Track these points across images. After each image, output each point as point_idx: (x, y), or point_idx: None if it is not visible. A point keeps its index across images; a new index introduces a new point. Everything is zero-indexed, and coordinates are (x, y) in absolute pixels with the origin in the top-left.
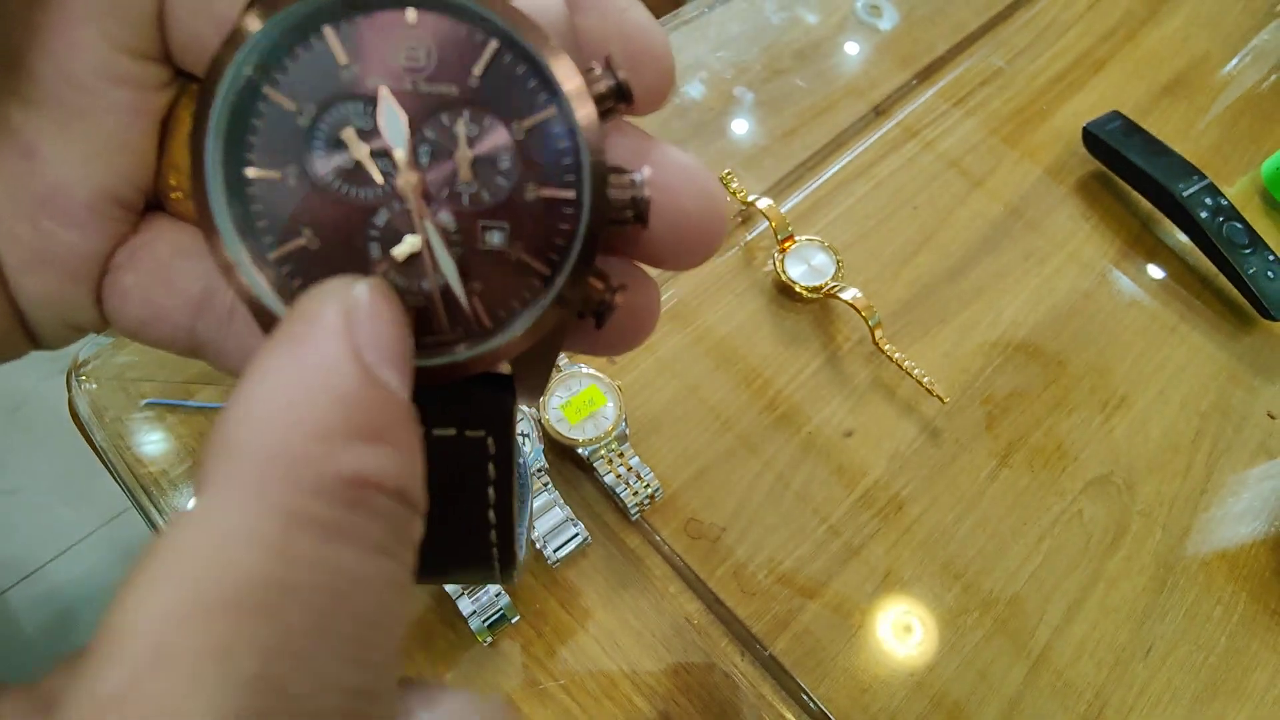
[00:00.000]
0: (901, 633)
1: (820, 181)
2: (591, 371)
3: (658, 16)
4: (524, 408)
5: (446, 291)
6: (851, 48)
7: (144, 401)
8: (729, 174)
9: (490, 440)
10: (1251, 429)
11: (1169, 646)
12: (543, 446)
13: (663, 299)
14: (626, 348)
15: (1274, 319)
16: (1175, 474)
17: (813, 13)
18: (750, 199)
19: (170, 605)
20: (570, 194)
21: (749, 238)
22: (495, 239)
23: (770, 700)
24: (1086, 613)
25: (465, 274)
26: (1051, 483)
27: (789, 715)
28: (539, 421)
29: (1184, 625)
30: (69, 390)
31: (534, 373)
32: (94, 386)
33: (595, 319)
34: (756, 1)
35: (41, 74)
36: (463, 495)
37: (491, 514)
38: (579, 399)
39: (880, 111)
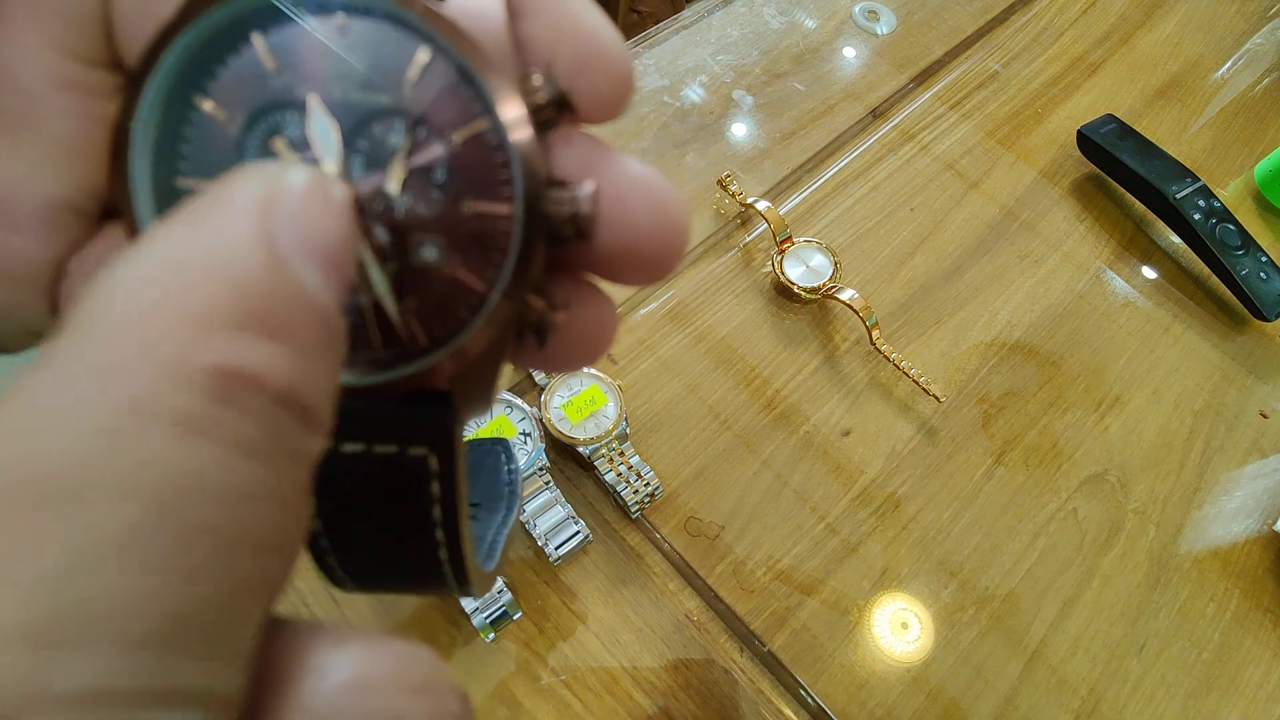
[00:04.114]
0: (898, 629)
1: (818, 184)
2: (592, 371)
3: (659, 21)
4: (525, 407)
5: (379, 308)
6: (849, 52)
7: None
8: (729, 176)
9: (433, 458)
10: (1244, 428)
11: (1163, 643)
12: (544, 445)
13: (662, 299)
14: (580, 365)
15: (1266, 319)
16: (1169, 472)
17: (811, 17)
18: (749, 201)
19: None
20: (504, 209)
21: (748, 239)
22: (429, 254)
23: (769, 696)
24: (1081, 609)
25: (399, 290)
26: (1046, 481)
27: (787, 710)
28: (541, 421)
29: (1177, 622)
30: None
31: (475, 390)
32: None
33: (536, 338)
34: (755, 6)
35: None
36: (407, 515)
37: (439, 533)
38: (580, 398)
39: (878, 115)
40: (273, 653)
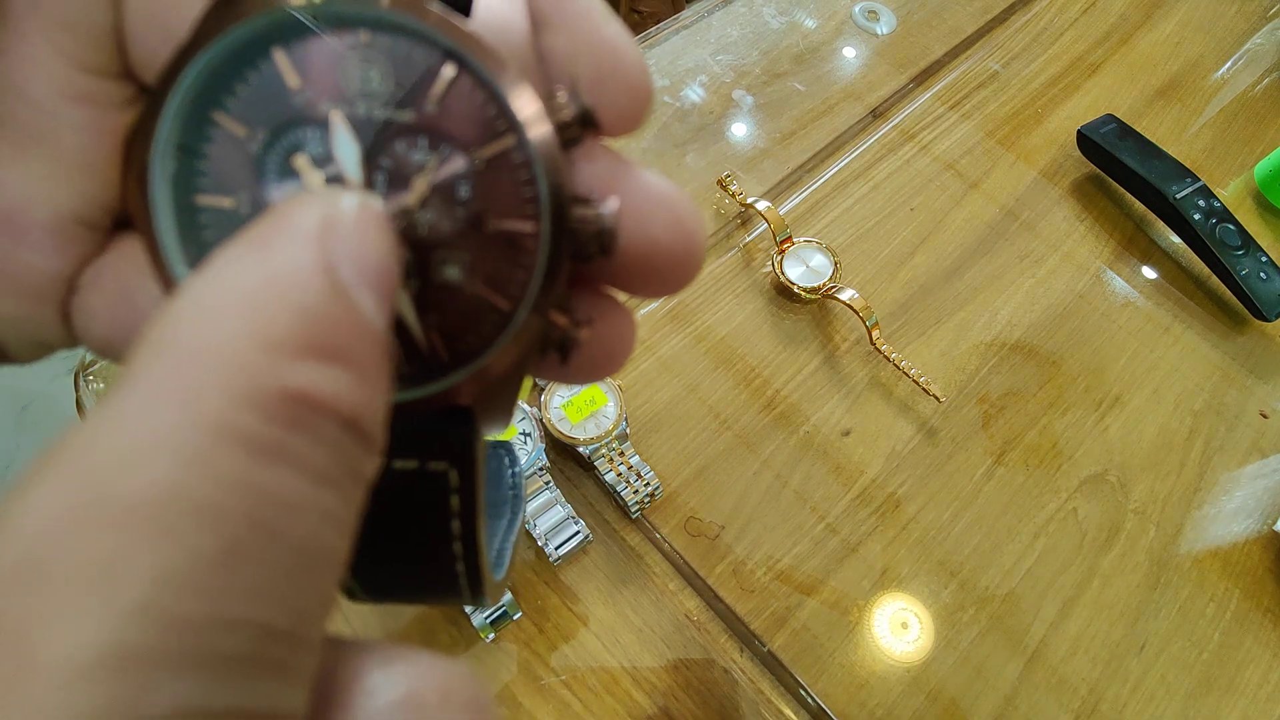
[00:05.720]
0: (898, 629)
1: (818, 184)
2: None
3: (659, 21)
4: (526, 407)
5: (402, 325)
6: (849, 52)
7: None
8: (728, 176)
9: (453, 473)
10: (1244, 428)
11: (1163, 643)
12: (544, 445)
13: (662, 299)
14: (599, 377)
15: (1266, 319)
16: (1169, 473)
17: (811, 17)
18: (749, 201)
19: (52, 513)
20: (529, 227)
21: (748, 239)
22: (453, 272)
23: (769, 696)
24: (1081, 610)
25: (422, 307)
26: (1046, 481)
27: (787, 710)
28: (541, 421)
29: (1177, 622)
30: (76, 389)
31: (497, 406)
32: (101, 386)
33: (559, 354)
34: (756, 6)
35: None
36: (426, 529)
37: (457, 545)
38: (580, 398)
39: (878, 115)
40: (324, 672)
